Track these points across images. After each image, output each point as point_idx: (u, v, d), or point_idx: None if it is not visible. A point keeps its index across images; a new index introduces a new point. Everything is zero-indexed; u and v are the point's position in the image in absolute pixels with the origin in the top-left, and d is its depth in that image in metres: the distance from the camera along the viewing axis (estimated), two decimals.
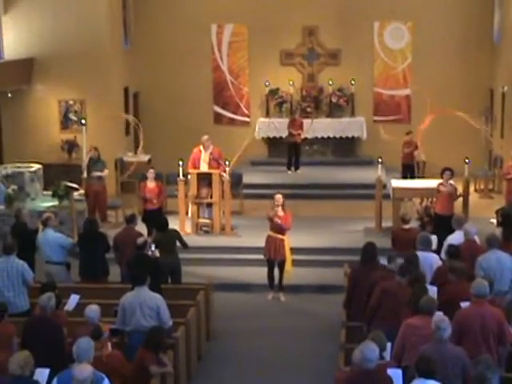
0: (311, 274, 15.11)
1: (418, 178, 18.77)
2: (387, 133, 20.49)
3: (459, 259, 10.56)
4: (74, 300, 10.55)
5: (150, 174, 16.20)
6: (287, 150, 21.05)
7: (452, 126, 20.97)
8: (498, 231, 12.41)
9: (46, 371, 8.23)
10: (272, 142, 22.42)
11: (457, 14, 21.94)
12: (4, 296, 11.06)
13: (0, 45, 19.98)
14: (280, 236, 13.96)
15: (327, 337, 12.08)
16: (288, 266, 14.14)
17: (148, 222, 15.54)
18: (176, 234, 13.29)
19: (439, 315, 8.40)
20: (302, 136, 20.94)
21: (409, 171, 19.40)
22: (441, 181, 15.29)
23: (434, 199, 15.83)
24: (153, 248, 12.25)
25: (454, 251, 10.91)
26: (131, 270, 11.13)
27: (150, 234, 15.07)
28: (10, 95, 19.67)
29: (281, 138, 21.94)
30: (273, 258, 14.05)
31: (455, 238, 12.01)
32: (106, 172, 17.44)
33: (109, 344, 8.99)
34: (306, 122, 21.09)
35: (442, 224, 13.99)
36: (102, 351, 8.62)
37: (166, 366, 9.18)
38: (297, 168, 20.97)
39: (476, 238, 11.86)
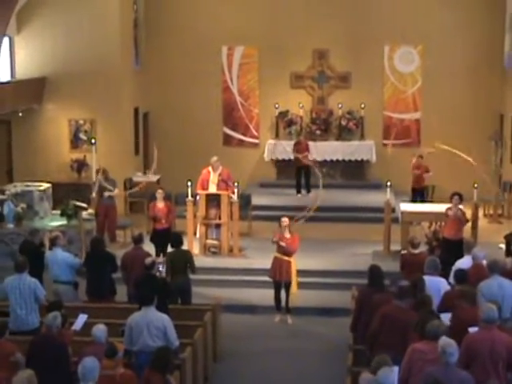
0: (319, 296, 15.07)
1: (428, 202, 18.74)
2: (396, 155, 20.52)
3: (466, 284, 10.50)
4: (81, 319, 10.53)
5: (159, 194, 16.21)
6: (295, 174, 21.03)
7: (461, 150, 20.96)
8: (510, 260, 12.33)
9: None
10: (281, 164, 22.44)
11: (467, 38, 21.99)
12: (16, 313, 11.09)
13: (12, 64, 20.13)
14: (286, 258, 13.94)
15: (334, 359, 12.01)
16: (294, 288, 14.11)
17: (156, 242, 15.54)
18: (188, 255, 13.26)
19: (445, 339, 8.34)
20: (310, 158, 20.94)
21: (419, 195, 19.35)
22: (449, 205, 15.26)
23: (443, 223, 15.79)
24: (160, 268, 12.25)
25: (461, 275, 10.85)
26: (139, 290, 11.11)
27: (158, 254, 15.07)
28: (20, 114, 19.77)
29: (290, 160, 21.98)
30: (279, 280, 14.02)
31: (464, 262, 11.97)
32: (116, 191, 17.48)
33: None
34: (311, 144, 21.14)
35: (450, 248, 13.95)
36: (115, 370, 8.56)
37: None
38: (308, 191, 20.91)
39: (484, 263, 11.80)
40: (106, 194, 17.29)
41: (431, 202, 18.79)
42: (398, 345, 9.26)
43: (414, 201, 19.00)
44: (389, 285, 10.62)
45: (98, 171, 17.41)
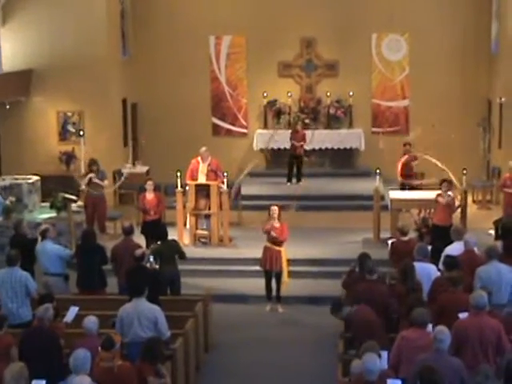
0: (309, 285, 15.11)
1: (417, 189, 18.76)
2: (385, 143, 20.55)
3: (456, 270, 10.55)
4: (73, 312, 10.54)
5: (149, 185, 16.18)
6: (288, 162, 21.01)
7: (450, 137, 21.04)
8: (499, 244, 12.40)
9: (43, 383, 8.20)
10: (270, 154, 22.43)
11: (454, 25, 21.99)
12: (8, 307, 11.08)
13: None
14: (277, 247, 13.97)
15: (325, 347, 12.06)
16: (285, 277, 14.15)
17: (147, 234, 15.53)
18: (175, 245, 13.29)
19: (438, 326, 8.39)
20: (305, 147, 20.95)
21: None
22: (439, 192, 15.31)
23: (432, 210, 15.85)
24: (151, 259, 12.24)
25: (451, 262, 10.89)
26: (129, 282, 11.11)
27: (148, 245, 15.06)
28: (8, 107, 19.68)
29: (279, 149, 21.97)
30: (270, 270, 14.06)
31: (454, 248, 12.01)
32: (106, 182, 17.42)
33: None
34: (308, 133, 21.14)
35: (440, 235, 14.00)
36: (113, 362, 8.54)
37: (164, 377, 9.14)
38: (299, 180, 20.93)
39: (475, 249, 11.85)
40: (95, 180, 17.01)
41: (420, 189, 18.81)
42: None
43: (403, 188, 19.02)
44: (368, 273, 10.67)
45: (90, 164, 17.30)
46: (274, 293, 14.25)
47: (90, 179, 16.97)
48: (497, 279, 10.62)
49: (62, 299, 11.52)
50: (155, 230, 13.57)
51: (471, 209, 17.99)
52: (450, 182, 15.25)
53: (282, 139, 21.52)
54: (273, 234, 13.87)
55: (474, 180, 19.80)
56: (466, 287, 10.10)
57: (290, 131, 21.19)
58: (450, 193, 15.20)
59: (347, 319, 9.76)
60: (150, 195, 16.09)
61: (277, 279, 14.14)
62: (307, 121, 22.19)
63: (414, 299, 9.61)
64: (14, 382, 7.71)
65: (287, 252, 14.23)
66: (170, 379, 9.36)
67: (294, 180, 20.96)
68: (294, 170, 20.96)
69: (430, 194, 15.89)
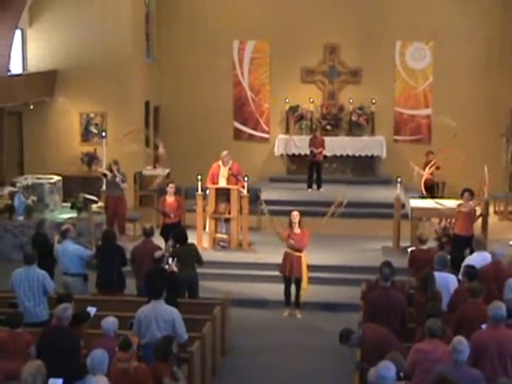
0: (327, 291, 15.06)
1: (438, 198, 18.68)
2: (407, 151, 20.51)
3: (476, 280, 10.48)
4: (91, 312, 10.55)
5: (171, 188, 16.21)
6: (308, 168, 21.01)
7: (473, 147, 20.94)
8: None
9: (60, 381, 8.24)
10: (291, 159, 22.44)
11: (479, 35, 21.92)
12: (25, 306, 11.15)
13: (24, 57, 20.19)
14: (297, 253, 13.95)
15: (342, 355, 11.96)
16: (304, 283, 14.11)
17: (166, 236, 15.56)
18: (194, 249, 13.29)
19: (457, 337, 8.33)
20: (324, 153, 20.95)
21: (429, 191, 19.29)
22: (461, 201, 15.23)
23: (453, 220, 15.76)
24: (170, 262, 12.26)
25: (471, 272, 10.84)
26: (148, 284, 11.13)
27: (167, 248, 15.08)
28: (32, 107, 19.82)
29: (299, 155, 21.97)
30: (289, 275, 14.03)
31: (475, 259, 11.93)
32: (125, 185, 17.48)
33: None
34: (327, 139, 21.12)
35: (461, 245, 13.92)
36: (129, 363, 8.56)
37: (178, 380, 9.13)
38: (319, 186, 20.91)
39: (502, 260, 11.78)
40: (117, 179, 17.10)
41: (442, 198, 18.72)
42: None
43: (424, 196, 18.93)
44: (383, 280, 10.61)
45: (111, 164, 17.36)
46: (292, 298, 14.22)
47: (108, 176, 17.03)
48: None
49: (81, 299, 11.56)
50: (175, 233, 13.57)
51: (492, 219, 17.89)
52: (471, 192, 15.16)
53: (302, 145, 21.52)
54: (291, 241, 13.85)
55: (496, 191, 19.67)
56: (490, 298, 10.01)
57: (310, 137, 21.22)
58: (471, 203, 15.12)
59: (358, 344, 9.66)
60: (170, 198, 16.12)
61: (296, 285, 14.12)
62: (329, 127, 22.17)
63: (432, 308, 9.54)
64: (31, 379, 7.75)
65: (307, 258, 14.20)
66: (185, 382, 9.37)
67: (314, 186, 20.94)
68: (314, 176, 20.95)
69: (452, 203, 15.81)
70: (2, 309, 11.31)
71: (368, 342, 9.44)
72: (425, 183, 19.34)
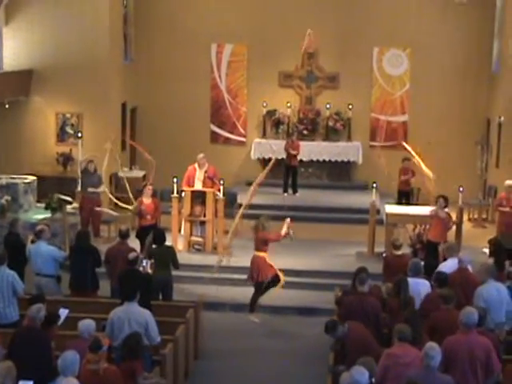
0: (301, 296, 15.09)
1: (413, 204, 18.79)
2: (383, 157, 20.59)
3: (447, 286, 10.53)
4: (62, 313, 10.48)
5: (149, 190, 16.17)
6: (284, 173, 21.03)
7: (448, 154, 21.09)
8: (491, 261, 12.40)
9: (30, 383, 8.16)
10: (267, 163, 22.38)
11: (456, 43, 22.08)
12: None
13: (0, 55, 20.03)
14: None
15: (315, 359, 12.03)
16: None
17: (142, 238, 15.51)
18: (171, 252, 13.24)
19: (429, 343, 8.37)
20: (298, 158, 20.99)
21: (404, 198, 19.41)
22: (434, 207, 15.31)
23: (427, 226, 15.84)
24: (144, 263, 12.22)
25: (442, 278, 10.90)
26: (122, 285, 11.09)
27: (142, 250, 15.03)
28: (7, 106, 19.69)
29: (277, 159, 21.95)
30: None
31: (447, 265, 12.00)
32: (101, 188, 17.44)
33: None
34: (302, 144, 21.15)
35: (434, 251, 14.00)
36: (98, 364, 8.51)
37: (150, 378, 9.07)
38: (295, 191, 20.95)
39: (469, 267, 11.84)
40: (90, 189, 17.23)
41: (416, 204, 18.84)
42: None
43: (399, 203, 19.05)
44: (359, 284, 10.64)
45: (87, 161, 17.37)
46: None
47: (86, 170, 17.05)
48: (497, 298, 10.60)
49: (54, 301, 11.49)
50: (154, 232, 13.50)
51: (466, 226, 17.99)
52: (445, 199, 15.24)
53: (278, 149, 21.52)
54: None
55: (471, 198, 19.80)
56: (458, 305, 10.07)
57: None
58: (446, 210, 15.20)
59: (341, 338, 9.71)
60: (147, 200, 16.07)
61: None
62: (305, 132, 22.21)
63: (409, 313, 9.59)
64: (1, 380, 7.68)
65: (280, 262, 14.20)
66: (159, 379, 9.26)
67: (290, 191, 20.97)
68: (290, 180, 20.98)
69: (426, 210, 15.89)
70: None
71: (352, 337, 9.52)
72: (399, 190, 19.50)
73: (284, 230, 13.96)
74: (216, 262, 14.55)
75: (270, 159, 22.01)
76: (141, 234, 15.60)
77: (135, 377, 8.92)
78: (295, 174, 21.05)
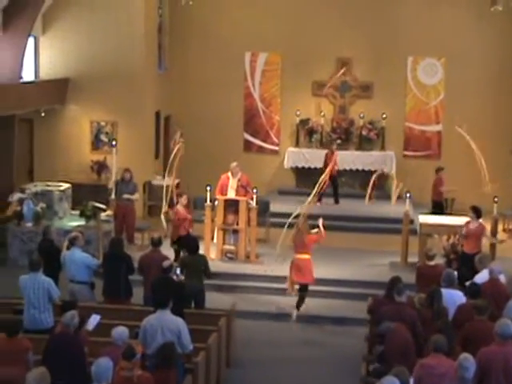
0: (334, 305, 15.04)
1: (447, 214, 18.66)
2: (416, 167, 20.50)
3: (480, 298, 10.44)
4: (94, 320, 10.53)
5: (184, 200, 16.26)
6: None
7: (482, 164, 20.90)
8: None
9: None
10: (300, 172, 22.43)
11: (491, 52, 21.92)
12: (30, 312, 11.16)
13: (36, 64, 20.26)
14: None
15: (347, 369, 11.98)
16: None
17: (178, 247, 15.59)
18: (204, 260, 13.26)
19: (464, 354, 8.30)
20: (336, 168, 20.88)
21: (438, 208, 19.24)
22: (468, 219, 15.18)
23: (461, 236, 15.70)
24: (178, 272, 12.25)
25: (474, 289, 10.80)
26: (155, 293, 11.13)
27: (177, 259, 15.10)
28: (43, 114, 19.88)
29: (309, 168, 21.96)
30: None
31: (482, 277, 11.88)
32: (136, 196, 17.57)
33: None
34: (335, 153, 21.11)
35: (469, 262, 13.88)
36: (132, 372, 8.53)
37: None
38: (337, 201, 20.78)
39: (501, 278, 11.73)
40: (125, 196, 17.37)
41: (450, 214, 18.70)
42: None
43: (433, 213, 18.87)
44: (397, 294, 10.58)
45: (124, 171, 17.53)
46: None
47: (123, 180, 17.23)
48: None
49: (87, 307, 11.57)
50: (187, 240, 13.53)
51: (501, 237, 17.81)
52: (475, 210, 15.04)
53: (312, 158, 21.51)
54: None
55: (505, 208, 19.61)
56: (490, 316, 9.97)
57: (321, 151, 21.23)
58: (480, 221, 15.03)
59: (384, 334, 9.69)
60: (182, 209, 16.14)
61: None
62: (339, 141, 22.12)
63: (442, 324, 9.53)
64: None
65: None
66: None
67: (324, 200, 20.77)
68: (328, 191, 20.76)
69: (460, 220, 15.77)
70: (7, 315, 11.34)
71: (395, 338, 9.50)
72: (433, 200, 19.35)
73: (322, 230, 14.28)
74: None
75: (303, 168, 22.17)
76: (178, 243, 15.67)
77: None
78: (336, 184, 20.89)
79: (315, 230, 14.45)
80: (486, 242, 15.67)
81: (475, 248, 14.73)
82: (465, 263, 14.16)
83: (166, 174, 18.19)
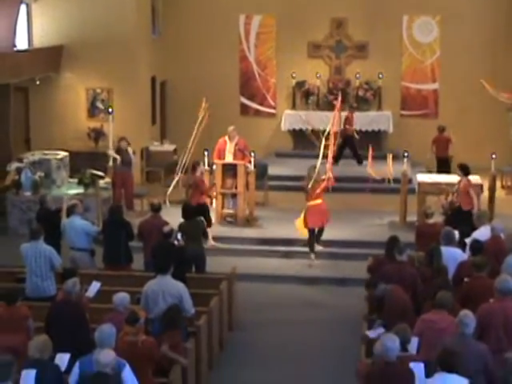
0: (334, 266, 15.13)
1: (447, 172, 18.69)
2: (414, 126, 20.47)
3: (482, 255, 10.49)
4: (95, 287, 10.58)
5: (203, 167, 16.17)
6: (340, 145, 20.49)
7: (480, 122, 20.91)
8: None
9: (67, 356, 8.28)
10: (297, 134, 22.39)
11: (486, 8, 21.77)
12: (32, 281, 11.22)
13: (29, 32, 20.12)
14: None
15: (349, 329, 12.07)
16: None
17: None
18: (201, 224, 13.30)
19: (464, 310, 8.37)
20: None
21: (444, 166, 19.25)
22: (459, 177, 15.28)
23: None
24: (179, 237, 12.27)
25: (477, 247, 10.85)
26: (156, 258, 11.17)
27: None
28: (38, 82, 19.79)
29: (306, 130, 21.93)
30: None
31: (481, 234, 11.92)
32: (134, 158, 17.50)
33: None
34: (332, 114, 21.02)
35: (462, 218, 13.96)
36: (137, 337, 8.61)
37: (180, 353, 9.16)
38: (360, 161, 20.56)
39: (502, 235, 11.78)
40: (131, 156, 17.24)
41: (449, 172, 18.71)
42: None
43: (439, 171, 18.81)
44: (398, 254, 10.62)
45: (120, 141, 17.44)
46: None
47: (119, 149, 17.07)
48: None
49: (88, 274, 11.63)
50: (183, 207, 13.47)
51: (499, 194, 17.87)
52: (462, 167, 15.14)
53: (308, 120, 21.43)
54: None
55: (503, 165, 19.62)
56: (492, 273, 10.04)
57: (318, 112, 21.44)
58: (469, 177, 15.09)
59: (381, 297, 9.76)
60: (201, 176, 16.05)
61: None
62: (335, 102, 21.99)
63: (442, 281, 9.59)
64: (38, 353, 7.81)
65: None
66: (185, 360, 9.28)
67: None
68: (345, 152, 20.73)
69: (457, 179, 15.78)
70: (9, 283, 11.40)
71: (393, 300, 9.60)
72: (438, 157, 19.35)
73: (331, 175, 15.17)
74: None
75: (300, 130, 22.11)
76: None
77: (178, 347, 9.05)
78: (353, 142, 20.83)
79: (323, 177, 15.04)
80: (484, 200, 15.72)
81: (468, 205, 14.81)
82: (459, 219, 14.17)
83: (192, 141, 17.87)
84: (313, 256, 15.17)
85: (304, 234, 15.15)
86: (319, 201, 15.05)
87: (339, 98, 18.67)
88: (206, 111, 17.97)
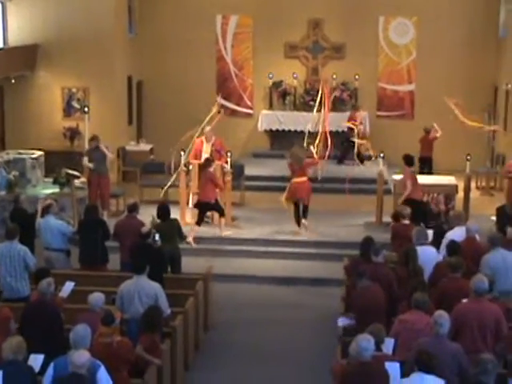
0: (310, 266, 15.14)
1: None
2: (390, 128, 20.52)
3: (456, 255, 10.53)
4: (68, 287, 10.53)
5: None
6: (346, 147, 20.66)
7: (455, 123, 20.95)
8: (494, 228, 12.44)
9: (41, 357, 8.23)
10: (274, 135, 22.39)
11: (462, 10, 21.90)
12: (6, 281, 11.14)
13: (4, 30, 19.97)
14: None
15: (325, 329, 12.09)
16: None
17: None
18: (177, 224, 13.25)
19: (438, 311, 8.40)
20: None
21: (427, 165, 19.42)
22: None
23: (435, 194, 15.93)
24: (156, 237, 12.21)
25: (454, 247, 10.89)
26: (133, 258, 11.11)
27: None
28: (13, 81, 19.66)
29: (283, 130, 21.94)
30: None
31: (455, 234, 11.98)
32: (110, 155, 17.23)
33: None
34: (309, 115, 21.03)
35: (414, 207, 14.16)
36: (112, 338, 8.58)
37: (157, 356, 9.12)
38: (362, 161, 20.41)
39: (477, 236, 11.85)
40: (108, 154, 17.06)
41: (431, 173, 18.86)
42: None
43: (421, 172, 18.89)
44: (374, 254, 10.63)
45: (90, 139, 17.26)
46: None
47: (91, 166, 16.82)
48: (503, 266, 10.62)
49: (62, 274, 11.56)
50: (158, 207, 13.44)
51: (474, 195, 17.99)
52: (406, 160, 15.70)
53: (286, 120, 21.46)
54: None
55: (478, 166, 19.75)
56: (467, 273, 10.09)
57: (295, 113, 21.50)
58: (410, 168, 15.76)
59: (361, 289, 9.80)
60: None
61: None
62: (312, 103, 22.05)
63: (417, 282, 9.62)
64: (12, 355, 7.75)
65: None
66: (159, 361, 9.22)
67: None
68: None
69: (434, 179, 15.88)
70: None
71: (366, 294, 9.69)
72: (420, 157, 19.52)
73: (316, 156, 16.12)
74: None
75: (277, 131, 22.12)
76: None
77: (156, 350, 9.00)
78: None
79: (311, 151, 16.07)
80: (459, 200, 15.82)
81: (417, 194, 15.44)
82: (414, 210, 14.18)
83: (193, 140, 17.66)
84: (298, 229, 15.82)
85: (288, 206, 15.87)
86: (304, 178, 15.71)
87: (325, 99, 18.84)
88: (219, 108, 17.90)
